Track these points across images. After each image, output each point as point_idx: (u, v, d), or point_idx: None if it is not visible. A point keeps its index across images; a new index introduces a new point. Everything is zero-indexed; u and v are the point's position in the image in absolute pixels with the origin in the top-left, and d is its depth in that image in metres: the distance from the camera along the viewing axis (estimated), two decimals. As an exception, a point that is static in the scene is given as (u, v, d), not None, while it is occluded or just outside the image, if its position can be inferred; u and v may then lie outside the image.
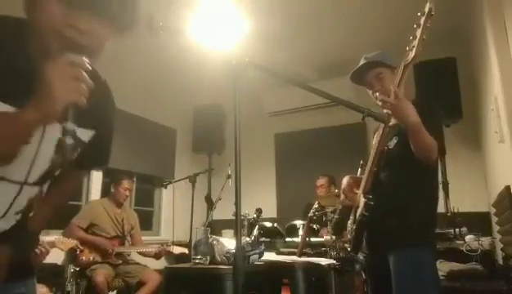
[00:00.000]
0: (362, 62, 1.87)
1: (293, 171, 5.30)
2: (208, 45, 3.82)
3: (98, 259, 3.45)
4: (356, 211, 1.85)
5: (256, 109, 5.10)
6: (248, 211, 3.45)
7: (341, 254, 2.63)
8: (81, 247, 3.18)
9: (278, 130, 5.59)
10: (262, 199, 4.68)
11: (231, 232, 4.34)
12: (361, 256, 2.10)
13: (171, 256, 3.89)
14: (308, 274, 2.35)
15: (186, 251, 3.62)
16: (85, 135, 0.99)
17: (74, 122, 0.85)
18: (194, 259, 2.35)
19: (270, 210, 5.02)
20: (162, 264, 3.67)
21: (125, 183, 3.82)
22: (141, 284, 3.48)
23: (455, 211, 3.56)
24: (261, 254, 2.39)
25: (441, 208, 3.50)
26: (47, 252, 2.43)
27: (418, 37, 1.49)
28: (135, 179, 4.56)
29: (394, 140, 1.76)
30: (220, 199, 3.60)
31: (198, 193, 3.98)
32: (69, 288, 3.23)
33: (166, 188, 3.94)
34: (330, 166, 4.41)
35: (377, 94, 1.69)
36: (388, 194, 1.72)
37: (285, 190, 5.39)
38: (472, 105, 3.96)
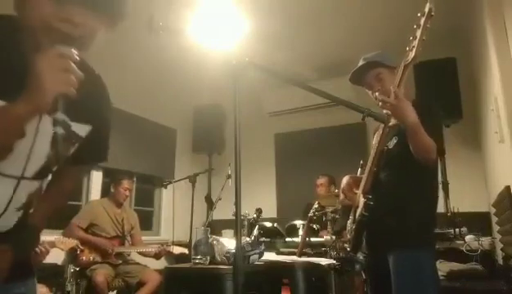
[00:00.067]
0: (361, 63, 1.87)
1: (293, 171, 5.30)
2: (208, 45, 3.82)
3: (98, 259, 3.45)
4: (355, 211, 1.85)
5: (256, 109, 5.10)
6: (248, 211, 3.45)
7: (341, 254, 2.63)
8: (81, 247, 3.18)
9: (278, 130, 5.59)
10: (262, 199, 4.68)
11: (231, 232, 4.34)
12: (360, 256, 2.10)
13: (171, 256, 3.89)
14: (308, 274, 2.35)
15: (186, 251, 3.62)
16: (81, 129, 0.99)
17: (70, 118, 0.88)
18: (194, 259, 2.35)
19: (270, 210, 5.02)
20: (162, 264, 3.67)
21: (125, 183, 3.83)
22: (141, 284, 3.48)
23: (455, 211, 3.56)
24: (261, 254, 2.39)
25: (441, 208, 3.50)
26: (47, 252, 2.44)
27: (418, 37, 1.48)
28: (135, 179, 4.56)
29: (394, 140, 1.76)
30: (220, 199, 3.60)
31: (198, 193, 3.98)
32: (69, 288, 3.23)
33: (166, 188, 3.94)
34: (330, 166, 4.41)
35: (377, 94, 1.69)
36: (387, 194, 1.72)
37: (285, 190, 5.39)
38: (472, 105, 3.96)
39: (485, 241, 3.15)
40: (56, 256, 3.21)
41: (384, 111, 1.60)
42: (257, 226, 3.25)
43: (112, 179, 3.93)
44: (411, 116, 1.53)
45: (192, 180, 3.82)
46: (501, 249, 2.95)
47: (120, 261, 3.57)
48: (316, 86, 1.35)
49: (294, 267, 2.39)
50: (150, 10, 3.44)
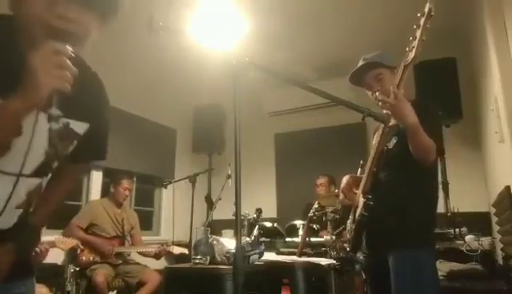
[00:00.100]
0: (361, 63, 1.86)
1: (293, 171, 5.30)
2: (208, 45, 3.82)
3: (98, 259, 3.45)
4: (355, 211, 1.85)
5: (256, 109, 5.11)
6: (248, 211, 3.45)
7: (341, 254, 2.63)
8: (81, 247, 3.18)
9: (278, 130, 5.59)
10: (262, 199, 4.68)
11: (231, 232, 4.34)
12: (361, 256, 2.10)
13: (171, 256, 3.89)
14: (308, 274, 2.35)
15: (186, 251, 3.62)
16: (79, 127, 1.00)
17: (67, 115, 0.89)
18: (194, 259, 2.35)
19: (270, 210, 5.03)
20: (162, 264, 3.67)
21: (125, 183, 3.82)
22: (141, 284, 3.48)
23: (455, 211, 3.56)
24: (261, 254, 2.39)
25: (441, 208, 3.50)
26: (47, 251, 2.43)
27: (418, 37, 1.48)
28: (135, 179, 4.56)
29: (394, 140, 1.76)
30: (220, 199, 3.60)
31: (198, 193, 3.98)
32: (69, 288, 3.23)
33: (166, 188, 3.94)
34: (330, 166, 4.41)
35: (377, 94, 1.69)
36: (387, 194, 1.72)
37: (285, 190, 5.39)
38: (472, 105, 3.96)
39: (485, 241, 3.15)
40: (56, 256, 3.21)
41: (384, 111, 1.60)
42: (257, 226, 3.25)
43: (112, 179, 3.93)
44: (411, 116, 1.53)
45: (192, 180, 3.82)
46: (501, 249, 2.95)
47: (120, 261, 3.57)
48: (316, 86, 1.35)
49: (294, 267, 2.39)
50: (150, 10, 3.44)
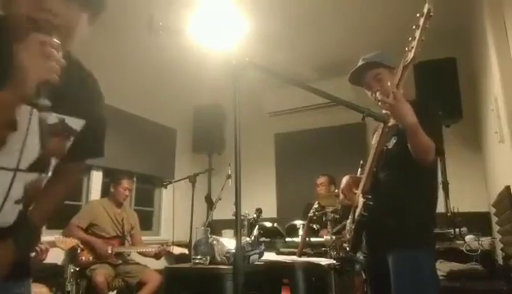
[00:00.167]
0: (361, 63, 1.86)
1: (293, 171, 5.31)
2: (208, 45, 3.82)
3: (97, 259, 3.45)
4: (355, 211, 1.85)
5: (256, 109, 5.11)
6: (248, 211, 3.45)
7: (341, 254, 2.63)
8: (81, 247, 3.18)
9: (278, 130, 5.60)
10: (262, 199, 4.68)
11: (231, 232, 4.34)
12: (360, 256, 2.10)
13: (171, 256, 3.89)
14: (308, 274, 2.35)
15: (186, 251, 3.62)
16: (75, 124, 1.01)
17: (63, 112, 0.91)
18: (194, 259, 2.35)
19: (270, 210, 5.03)
20: (162, 264, 3.67)
21: (125, 183, 3.82)
22: (141, 284, 3.48)
23: (455, 211, 3.56)
24: (261, 254, 2.40)
25: (441, 208, 3.50)
26: (47, 251, 2.44)
27: (417, 38, 1.48)
28: (135, 179, 4.56)
29: (393, 140, 1.76)
30: (220, 199, 3.60)
31: (198, 193, 3.98)
32: (69, 288, 3.23)
33: (166, 188, 3.94)
34: (330, 166, 4.41)
35: (377, 94, 1.69)
36: (386, 194, 1.72)
37: (285, 190, 5.39)
38: (472, 105, 3.96)
39: (485, 241, 3.15)
40: (56, 256, 3.21)
41: (384, 111, 1.60)
42: (257, 226, 3.25)
43: (112, 179, 3.93)
44: (410, 116, 1.53)
45: (192, 180, 3.82)
46: (501, 249, 2.95)
47: (120, 261, 3.57)
48: (316, 86, 1.35)
49: (294, 267, 2.39)
50: (150, 10, 3.44)
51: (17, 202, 0.95)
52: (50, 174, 1.02)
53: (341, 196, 1.98)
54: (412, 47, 1.51)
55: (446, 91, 3.62)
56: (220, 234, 4.06)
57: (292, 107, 5.14)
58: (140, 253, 3.68)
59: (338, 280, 2.37)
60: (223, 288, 2.12)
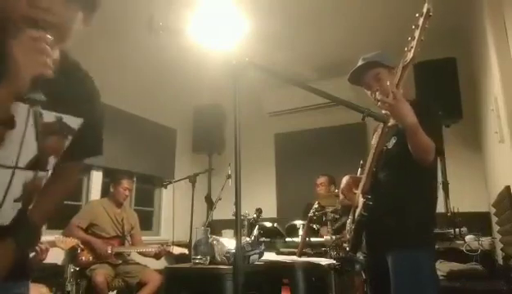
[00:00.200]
0: (360, 63, 1.87)
1: (293, 171, 5.30)
2: (208, 45, 3.82)
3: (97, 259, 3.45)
4: (355, 211, 1.85)
5: (256, 109, 5.11)
6: (248, 211, 3.45)
7: (341, 254, 2.63)
8: (82, 247, 3.18)
9: (278, 130, 5.60)
10: (262, 199, 4.68)
11: (231, 232, 4.34)
12: (360, 256, 2.10)
13: (171, 256, 3.89)
14: (308, 274, 2.35)
15: (186, 251, 3.62)
16: (73, 122, 1.01)
17: (60, 110, 0.91)
18: (194, 259, 2.35)
19: (270, 210, 5.02)
20: (162, 264, 3.67)
21: (125, 183, 3.82)
22: (141, 284, 3.48)
23: (455, 211, 3.56)
24: (261, 254, 2.40)
25: (441, 208, 3.50)
26: (47, 251, 2.44)
27: (416, 38, 1.48)
28: (135, 179, 4.56)
29: (393, 140, 1.76)
30: (220, 199, 3.60)
31: (198, 193, 3.98)
32: (69, 288, 3.23)
33: (166, 188, 3.94)
34: (330, 166, 4.41)
35: (376, 93, 1.69)
36: (386, 194, 1.72)
37: (285, 190, 5.39)
38: (472, 105, 3.96)
39: (485, 241, 3.15)
40: (56, 256, 3.21)
41: (384, 111, 1.60)
42: (257, 226, 3.25)
43: (112, 179, 3.93)
44: (409, 116, 1.53)
45: (192, 180, 3.82)
46: (501, 249, 2.95)
47: (120, 261, 3.57)
48: (316, 86, 1.35)
49: (294, 267, 2.39)
50: (150, 10, 3.44)
51: (16, 200, 0.95)
52: (49, 173, 1.03)
53: (341, 196, 1.98)
54: (412, 47, 1.51)
55: (446, 91, 3.62)
56: (220, 234, 4.06)
57: (292, 107, 5.14)
58: (140, 253, 3.68)
59: (338, 280, 2.37)
60: (223, 288, 2.12)
